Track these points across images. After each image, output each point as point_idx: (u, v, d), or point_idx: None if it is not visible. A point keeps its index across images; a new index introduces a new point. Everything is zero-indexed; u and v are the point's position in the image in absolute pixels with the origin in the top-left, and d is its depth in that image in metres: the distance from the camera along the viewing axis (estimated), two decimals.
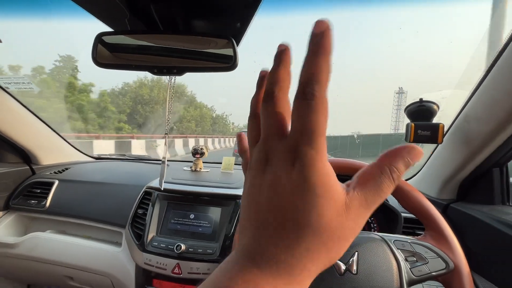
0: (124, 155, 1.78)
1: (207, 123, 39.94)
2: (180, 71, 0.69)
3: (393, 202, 0.87)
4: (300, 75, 0.20)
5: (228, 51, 0.69)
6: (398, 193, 0.59)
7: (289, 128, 0.22)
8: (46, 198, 1.24)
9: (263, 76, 0.26)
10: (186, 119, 37.09)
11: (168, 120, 0.84)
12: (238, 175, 1.27)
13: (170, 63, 0.70)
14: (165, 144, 0.89)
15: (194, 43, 0.71)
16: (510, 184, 0.86)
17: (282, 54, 0.23)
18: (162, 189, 1.04)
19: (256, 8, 0.69)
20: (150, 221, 1.02)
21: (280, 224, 0.21)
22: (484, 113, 0.72)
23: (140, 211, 1.08)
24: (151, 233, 1.00)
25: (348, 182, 0.23)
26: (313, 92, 0.19)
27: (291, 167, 0.20)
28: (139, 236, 1.02)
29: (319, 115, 0.19)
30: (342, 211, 0.21)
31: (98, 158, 1.70)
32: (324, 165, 0.20)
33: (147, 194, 1.10)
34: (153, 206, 1.05)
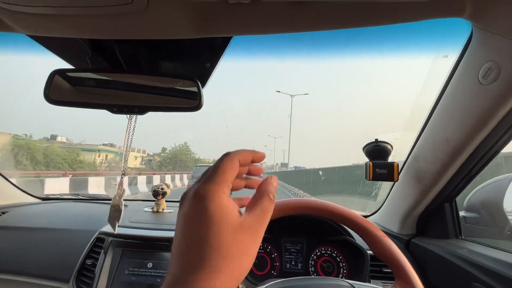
0: (78, 194, 1.61)
1: (190, 161, 37.66)
2: (142, 111, 0.67)
3: (359, 240, 0.88)
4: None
5: (193, 92, 0.69)
6: (369, 238, 0.60)
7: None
8: None
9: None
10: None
11: (126, 159, 0.79)
12: None
13: (131, 102, 0.68)
14: (120, 183, 0.82)
15: (159, 83, 0.71)
16: (460, 218, 0.93)
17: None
18: (115, 232, 0.92)
19: (222, 51, 0.72)
20: (100, 273, 0.89)
21: (188, 250, 0.26)
22: (429, 155, 0.79)
23: (89, 262, 0.94)
24: (101, 287, 0.87)
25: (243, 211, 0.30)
26: (229, 153, 0.31)
27: (197, 202, 0.27)
28: None
29: (224, 163, 0.29)
30: (237, 229, 0.26)
31: (46, 198, 1.52)
32: (221, 197, 0.27)
33: (99, 240, 0.98)
34: (105, 254, 0.93)
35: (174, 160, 36.42)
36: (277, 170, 39.16)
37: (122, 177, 0.81)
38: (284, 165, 38.16)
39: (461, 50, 0.59)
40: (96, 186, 9.70)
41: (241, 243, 0.26)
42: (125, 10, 0.48)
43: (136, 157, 36.70)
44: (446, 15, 0.48)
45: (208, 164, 13.16)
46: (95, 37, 0.59)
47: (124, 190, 0.83)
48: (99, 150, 29.43)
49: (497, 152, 0.70)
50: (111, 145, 32.27)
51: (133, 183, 11.84)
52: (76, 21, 0.52)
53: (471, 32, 0.55)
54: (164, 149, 37.86)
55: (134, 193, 10.99)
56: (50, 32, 0.58)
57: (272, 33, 0.55)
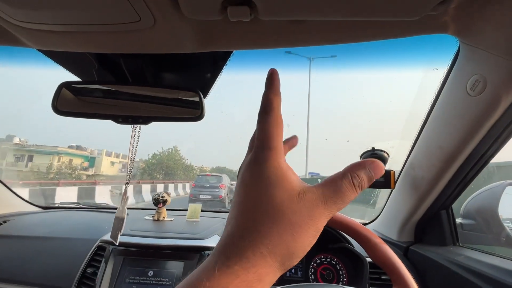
0: (79, 203, 1.61)
1: (179, 168, 32.61)
2: (146, 121, 0.69)
3: (358, 248, 0.89)
4: (261, 102, 0.28)
5: (195, 102, 0.72)
6: (367, 245, 0.61)
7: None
8: None
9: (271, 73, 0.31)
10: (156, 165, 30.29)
11: (131, 169, 0.81)
12: (205, 223, 1.22)
13: (136, 113, 0.71)
14: (125, 193, 0.84)
15: (162, 94, 0.74)
16: (457, 225, 0.94)
17: (270, 78, 0.29)
18: (117, 244, 0.93)
19: (223, 64, 0.75)
20: (101, 281, 0.89)
21: (243, 213, 0.24)
22: (424, 162, 0.81)
23: (89, 270, 0.95)
24: None
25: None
26: (267, 111, 0.27)
27: (252, 166, 0.26)
28: None
29: (271, 125, 0.27)
30: (293, 197, 0.24)
31: (46, 207, 1.52)
32: (278, 162, 0.26)
33: (100, 249, 0.99)
34: (106, 263, 0.93)
35: (160, 166, 30.81)
36: None
37: (126, 187, 0.82)
38: None
39: (450, 63, 0.62)
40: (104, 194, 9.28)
41: (296, 213, 0.23)
42: (133, 28, 0.51)
43: (112, 163, 29.81)
44: (434, 32, 0.51)
45: (212, 174, 12.61)
46: (103, 52, 0.62)
47: (128, 197, 0.84)
48: (58, 153, 23.66)
49: (489, 160, 0.72)
50: (79, 147, 26.63)
51: (136, 191, 11.07)
52: (85, 37, 0.55)
53: (458, 47, 0.58)
54: (155, 155, 30.89)
55: (139, 201, 10.60)
56: (59, 47, 0.61)
57: (271, 48, 0.59)
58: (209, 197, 10.60)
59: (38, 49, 0.67)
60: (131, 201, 9.97)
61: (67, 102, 0.69)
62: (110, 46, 0.59)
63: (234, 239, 0.23)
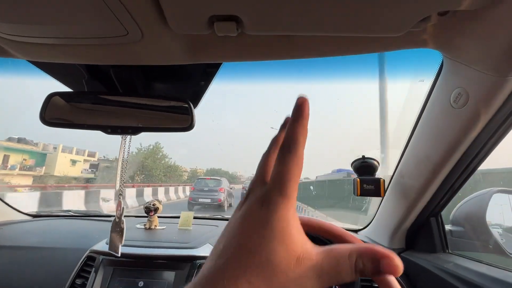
0: (69, 211, 1.59)
1: (159, 168, 26.91)
2: (135, 131, 0.69)
3: None
4: (285, 135, 0.25)
5: (185, 113, 0.72)
6: (338, 239, 0.61)
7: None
8: None
9: (286, 122, 0.29)
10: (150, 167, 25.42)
11: (123, 179, 0.80)
12: (197, 232, 1.21)
13: (125, 123, 0.71)
14: (119, 204, 0.82)
15: (152, 104, 0.74)
16: (446, 231, 0.95)
17: (300, 108, 0.25)
18: (119, 255, 0.91)
19: (213, 75, 0.76)
20: None
21: (235, 252, 0.22)
22: (413, 170, 0.83)
23: (79, 281, 0.93)
24: None
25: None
26: (290, 149, 0.24)
27: (260, 207, 0.23)
28: None
29: (291, 168, 0.23)
30: (292, 261, 0.21)
31: (36, 215, 1.50)
32: (287, 212, 0.23)
33: (90, 259, 0.97)
34: (95, 273, 0.92)
35: (135, 166, 24.98)
36: None
37: (120, 198, 0.81)
38: None
39: (434, 76, 0.64)
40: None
41: (289, 279, 0.21)
42: (121, 41, 0.51)
43: (73, 162, 23.03)
44: (417, 46, 0.52)
45: (211, 177, 12.27)
46: (92, 63, 0.63)
47: (123, 208, 0.83)
48: None
49: (476, 168, 0.73)
50: (23, 141, 20.19)
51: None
52: (74, 50, 0.55)
53: (442, 60, 0.60)
54: (131, 154, 20.87)
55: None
56: (48, 58, 0.61)
57: (258, 60, 0.59)
58: (209, 200, 10.46)
59: (28, 60, 0.67)
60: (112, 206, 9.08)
61: (55, 112, 0.68)
62: (98, 58, 0.59)
63: (219, 280, 0.21)
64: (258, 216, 0.23)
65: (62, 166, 21.64)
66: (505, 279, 0.67)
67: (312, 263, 0.22)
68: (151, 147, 26.55)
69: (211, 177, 12.32)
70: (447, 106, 0.60)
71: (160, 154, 26.93)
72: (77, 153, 23.85)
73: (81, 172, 23.67)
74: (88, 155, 25.02)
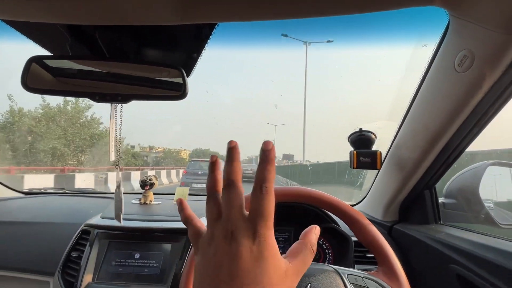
0: (63, 188, 1.57)
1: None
2: (125, 99, 0.65)
3: (344, 227, 0.90)
4: (256, 176, 0.29)
5: (177, 80, 0.68)
6: (355, 226, 0.62)
7: (245, 210, 0.29)
8: None
9: (214, 161, 0.32)
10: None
11: (119, 151, 0.77)
12: (192, 206, 1.20)
13: (114, 90, 0.67)
14: (117, 176, 0.81)
15: (142, 71, 0.70)
16: (439, 204, 0.97)
17: (232, 151, 0.30)
18: (121, 223, 0.89)
19: (206, 39, 0.71)
20: (86, 264, 0.88)
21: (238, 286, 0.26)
22: (410, 142, 0.82)
23: (74, 254, 0.93)
24: (87, 279, 0.86)
25: (284, 255, 0.31)
26: (266, 188, 0.28)
27: (252, 242, 0.27)
28: (71, 284, 0.87)
29: (270, 204, 0.28)
30: (283, 276, 0.28)
31: (29, 193, 1.48)
32: (273, 241, 0.29)
33: (85, 233, 0.97)
34: (91, 246, 0.92)
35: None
36: (283, 164, 25.28)
37: (117, 169, 0.79)
38: (288, 157, 27.13)
39: (439, 39, 0.61)
40: (84, 183, 8.11)
41: (287, 285, 0.28)
42: None
43: None
44: (423, 4, 0.49)
45: (206, 160, 11.52)
46: (74, 23, 0.58)
47: (121, 180, 0.82)
48: None
49: (471, 140, 0.73)
50: None
51: (125, 179, 9.47)
52: (50, 5, 0.51)
53: (448, 21, 0.57)
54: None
55: (129, 190, 9.78)
56: (23, 16, 0.55)
57: (256, 20, 0.55)
58: (203, 185, 9.94)
59: (2, 20, 0.62)
60: None
61: (38, 78, 0.64)
62: (82, 17, 0.55)
63: None
64: (253, 250, 0.27)
65: None
66: (495, 246, 0.68)
67: (292, 270, 0.29)
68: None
69: (206, 160, 12.05)
70: (450, 71, 0.58)
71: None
72: None
73: None
74: None
